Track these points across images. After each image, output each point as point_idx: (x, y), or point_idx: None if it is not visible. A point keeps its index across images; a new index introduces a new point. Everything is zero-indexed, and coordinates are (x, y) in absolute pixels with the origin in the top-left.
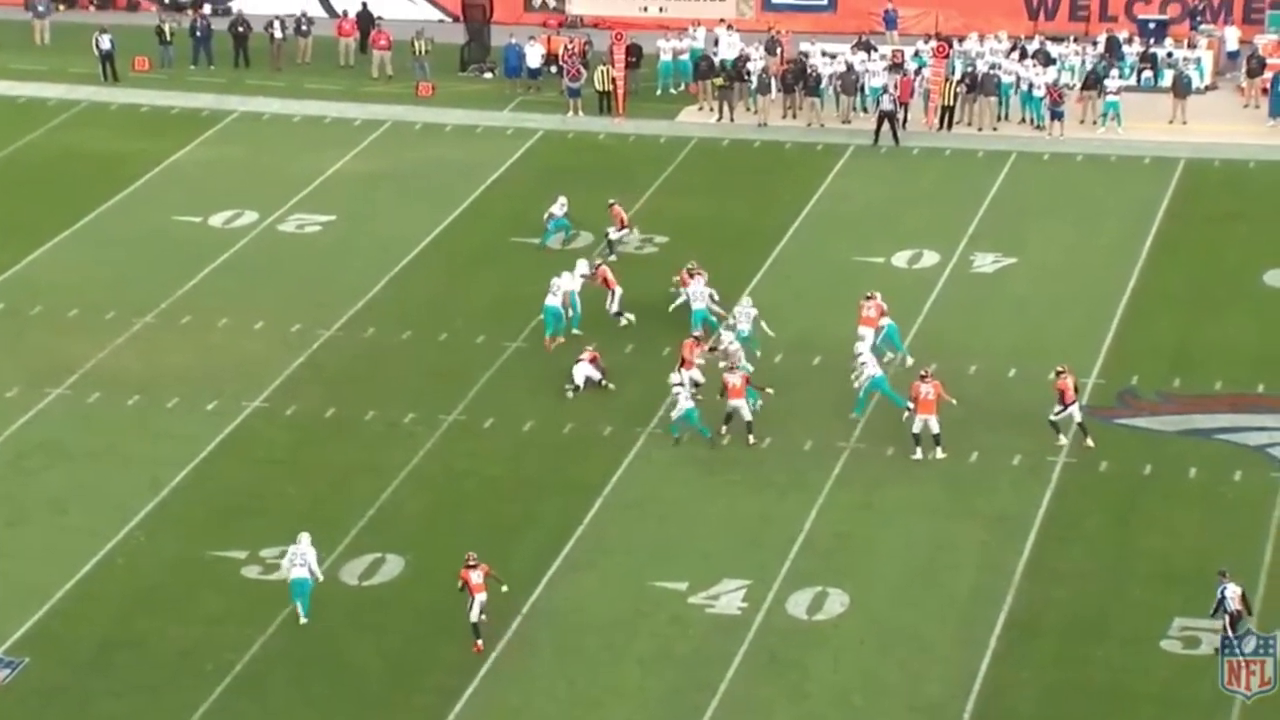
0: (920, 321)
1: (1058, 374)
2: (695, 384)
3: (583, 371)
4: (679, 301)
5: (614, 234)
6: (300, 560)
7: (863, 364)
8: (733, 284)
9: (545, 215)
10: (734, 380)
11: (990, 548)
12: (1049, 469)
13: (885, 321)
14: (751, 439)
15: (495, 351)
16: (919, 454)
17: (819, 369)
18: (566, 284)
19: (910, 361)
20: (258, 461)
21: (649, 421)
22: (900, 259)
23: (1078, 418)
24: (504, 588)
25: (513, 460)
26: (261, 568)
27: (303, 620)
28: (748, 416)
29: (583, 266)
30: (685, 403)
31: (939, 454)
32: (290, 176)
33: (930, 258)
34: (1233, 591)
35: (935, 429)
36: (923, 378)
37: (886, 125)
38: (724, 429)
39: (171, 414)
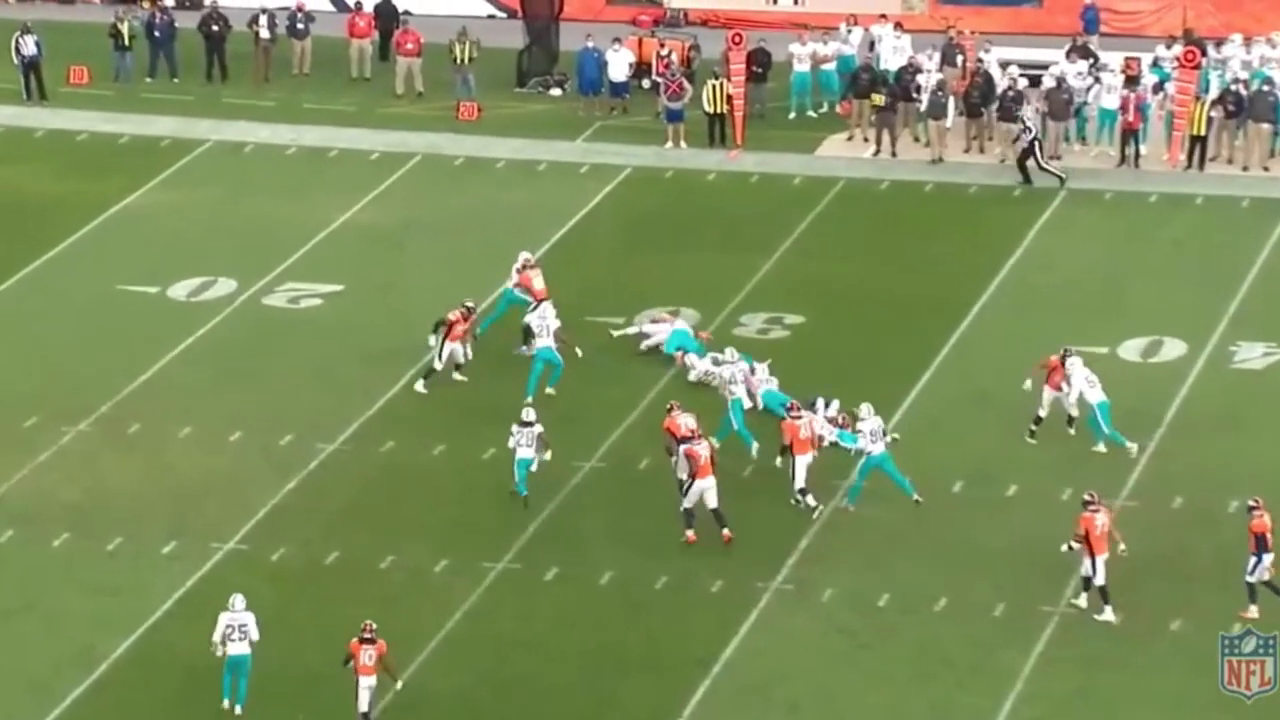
0: (1160, 436)
1: (1250, 510)
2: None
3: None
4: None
5: (529, 316)
6: (239, 633)
7: (859, 432)
8: (894, 379)
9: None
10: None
11: None
12: None
13: (1093, 397)
14: (726, 533)
15: (562, 474)
16: (1107, 614)
17: (1014, 503)
18: (552, 320)
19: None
20: None
21: (775, 573)
22: (1131, 349)
23: (1267, 574)
24: (398, 684)
25: (586, 625)
26: None
27: (238, 710)
28: (713, 503)
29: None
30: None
31: (1108, 615)
32: (281, 230)
33: (1174, 348)
34: None
35: (1102, 578)
36: (1089, 504)
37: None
38: (690, 534)
39: (114, 559)
